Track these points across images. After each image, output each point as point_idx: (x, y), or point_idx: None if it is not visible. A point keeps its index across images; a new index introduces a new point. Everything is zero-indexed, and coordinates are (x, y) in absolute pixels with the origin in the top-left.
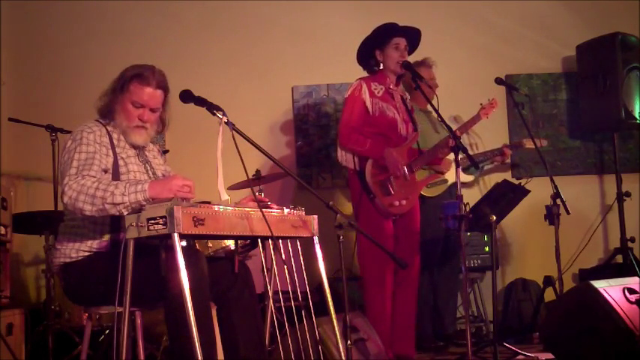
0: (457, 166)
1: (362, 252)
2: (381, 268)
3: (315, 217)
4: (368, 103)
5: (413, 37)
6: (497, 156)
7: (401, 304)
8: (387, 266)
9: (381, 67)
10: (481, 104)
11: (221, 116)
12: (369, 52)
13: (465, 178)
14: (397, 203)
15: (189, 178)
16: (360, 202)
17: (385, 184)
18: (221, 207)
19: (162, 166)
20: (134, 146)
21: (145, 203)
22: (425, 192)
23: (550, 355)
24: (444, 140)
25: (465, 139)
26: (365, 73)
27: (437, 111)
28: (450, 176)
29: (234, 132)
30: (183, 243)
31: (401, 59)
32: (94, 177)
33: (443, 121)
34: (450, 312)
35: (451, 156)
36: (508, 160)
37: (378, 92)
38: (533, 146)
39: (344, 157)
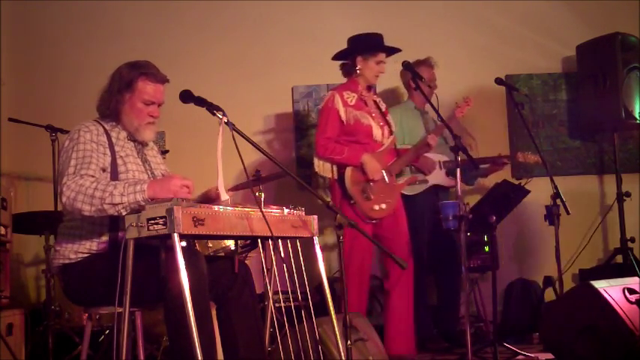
0: (457, 166)
1: (345, 253)
2: (361, 270)
3: (315, 217)
4: (342, 113)
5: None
6: (498, 165)
7: (396, 305)
8: (366, 269)
9: (357, 74)
10: (456, 103)
11: (221, 116)
12: (350, 55)
13: (447, 181)
14: (377, 207)
15: (188, 177)
16: (340, 208)
17: (365, 190)
18: (221, 207)
19: (162, 165)
20: (140, 143)
21: (143, 203)
22: (404, 190)
23: (550, 355)
24: (423, 140)
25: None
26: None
27: (437, 111)
28: (432, 177)
29: (234, 132)
30: (183, 243)
31: (379, 74)
32: (93, 176)
33: (442, 120)
34: (452, 313)
35: (435, 156)
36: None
37: (351, 101)
38: (525, 160)
39: (322, 167)
